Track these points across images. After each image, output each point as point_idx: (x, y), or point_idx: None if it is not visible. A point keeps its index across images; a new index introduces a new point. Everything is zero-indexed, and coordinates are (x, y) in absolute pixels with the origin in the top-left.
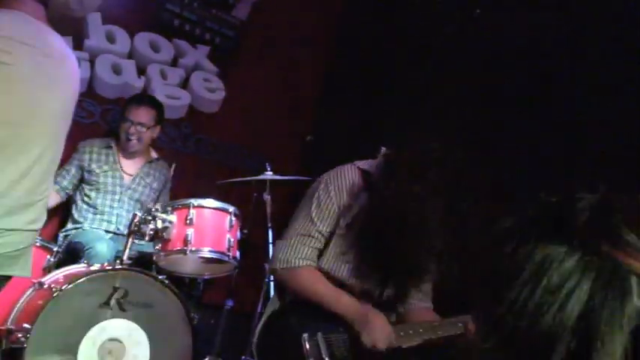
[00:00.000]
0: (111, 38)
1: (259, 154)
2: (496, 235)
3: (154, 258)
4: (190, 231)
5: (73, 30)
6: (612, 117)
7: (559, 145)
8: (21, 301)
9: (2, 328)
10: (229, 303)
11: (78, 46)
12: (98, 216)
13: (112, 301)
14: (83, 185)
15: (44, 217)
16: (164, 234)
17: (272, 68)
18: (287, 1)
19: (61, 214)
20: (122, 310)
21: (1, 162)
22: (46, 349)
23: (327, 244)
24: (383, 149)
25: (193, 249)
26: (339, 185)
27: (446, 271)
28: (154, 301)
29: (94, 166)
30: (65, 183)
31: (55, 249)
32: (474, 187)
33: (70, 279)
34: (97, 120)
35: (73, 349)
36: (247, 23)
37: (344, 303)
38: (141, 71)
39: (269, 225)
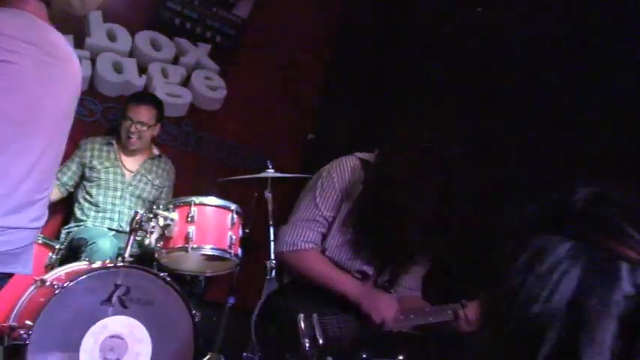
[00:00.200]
0: (112, 36)
1: (260, 152)
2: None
3: (156, 255)
4: (192, 228)
5: (75, 28)
6: (612, 116)
7: (559, 144)
8: (23, 298)
9: (4, 325)
10: (231, 300)
11: (79, 44)
12: (100, 213)
13: (114, 298)
14: (84, 182)
15: (46, 215)
16: (166, 231)
17: (273, 66)
18: (288, 0)
19: (63, 211)
20: (124, 307)
21: (5, 162)
22: (48, 346)
23: (329, 229)
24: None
25: (195, 246)
26: (341, 173)
27: (436, 256)
28: (155, 298)
29: (95, 162)
30: (65, 179)
31: (57, 246)
32: (467, 176)
33: (72, 276)
34: (99, 118)
35: (75, 346)
36: (248, 21)
37: (349, 284)
38: (142, 69)
39: (270, 223)
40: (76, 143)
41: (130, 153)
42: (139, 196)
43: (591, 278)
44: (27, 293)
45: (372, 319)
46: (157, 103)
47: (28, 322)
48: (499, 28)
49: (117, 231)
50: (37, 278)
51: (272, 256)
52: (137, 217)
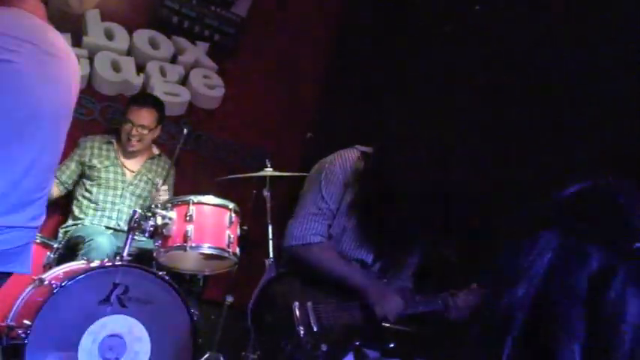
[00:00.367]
0: (110, 35)
1: (259, 151)
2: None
3: (154, 254)
4: (190, 227)
5: (72, 27)
6: (612, 116)
7: (559, 143)
8: (21, 297)
9: (3, 324)
10: (229, 299)
11: (77, 43)
12: (99, 212)
13: (113, 297)
14: (84, 180)
15: (44, 215)
16: (164, 230)
17: (272, 65)
18: None
19: (61, 210)
20: (122, 306)
21: (4, 161)
22: (47, 346)
23: (333, 220)
24: None
25: (193, 245)
26: (343, 164)
27: (432, 249)
28: (154, 297)
29: (95, 161)
30: (64, 177)
31: (55, 245)
32: (466, 173)
33: (70, 275)
34: (96, 117)
35: (73, 346)
36: (247, 20)
37: (358, 277)
38: (140, 68)
39: (269, 221)
40: (74, 142)
41: (130, 154)
42: (139, 196)
43: (559, 263)
44: (25, 293)
45: (375, 312)
46: (158, 106)
47: (26, 322)
48: (499, 27)
49: (115, 230)
50: (36, 277)
51: (271, 255)
52: (135, 216)
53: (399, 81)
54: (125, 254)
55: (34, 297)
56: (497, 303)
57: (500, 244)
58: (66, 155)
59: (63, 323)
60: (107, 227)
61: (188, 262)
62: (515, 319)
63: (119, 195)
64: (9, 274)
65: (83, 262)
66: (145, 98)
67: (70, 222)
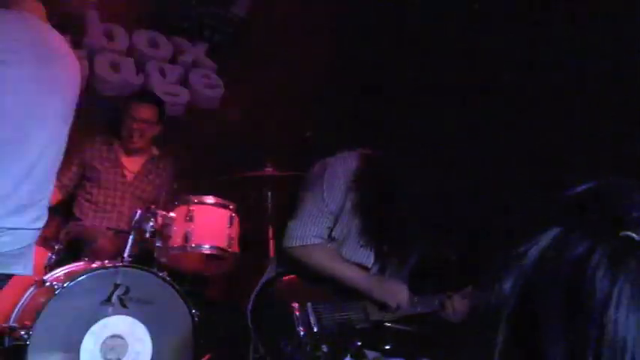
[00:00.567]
0: (109, 35)
1: (259, 151)
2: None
3: (155, 255)
4: (191, 227)
5: (72, 28)
6: (612, 115)
7: (559, 143)
8: (23, 299)
9: (4, 326)
10: (230, 299)
11: (76, 43)
12: (100, 213)
13: (114, 298)
14: (84, 182)
15: (46, 216)
16: (165, 230)
17: (271, 64)
18: None
19: (63, 212)
20: (124, 307)
21: (4, 163)
22: (49, 347)
23: (335, 223)
24: None
25: (194, 245)
26: (345, 167)
27: (432, 251)
28: (155, 297)
29: (95, 162)
30: (66, 180)
31: (57, 247)
32: (466, 175)
33: (71, 276)
34: (97, 118)
35: (75, 346)
36: (246, 20)
37: (359, 278)
38: (140, 68)
39: (269, 221)
40: (74, 143)
41: (131, 153)
42: (139, 197)
43: (546, 252)
44: (27, 294)
45: (388, 305)
46: (158, 102)
47: (28, 323)
48: (499, 26)
49: (116, 230)
50: (37, 279)
51: (271, 255)
52: (136, 217)
53: (399, 81)
54: (126, 255)
55: (36, 298)
56: (488, 301)
57: (500, 244)
58: (67, 156)
59: (65, 324)
60: (108, 228)
61: (189, 262)
62: (501, 316)
63: (119, 196)
64: (11, 276)
65: (84, 263)
66: (145, 94)
67: (71, 223)
